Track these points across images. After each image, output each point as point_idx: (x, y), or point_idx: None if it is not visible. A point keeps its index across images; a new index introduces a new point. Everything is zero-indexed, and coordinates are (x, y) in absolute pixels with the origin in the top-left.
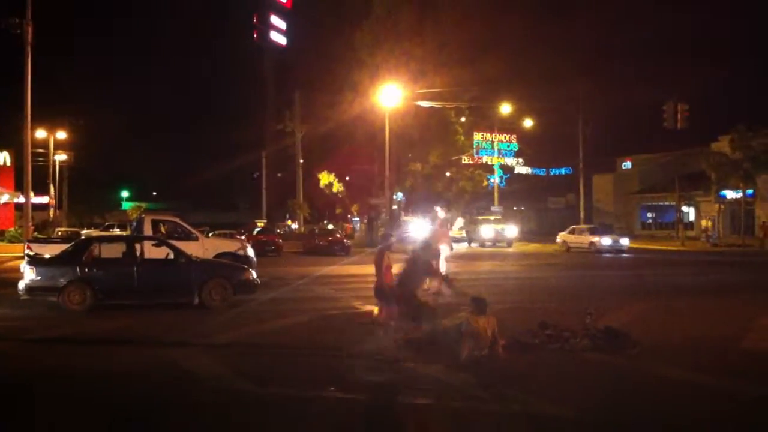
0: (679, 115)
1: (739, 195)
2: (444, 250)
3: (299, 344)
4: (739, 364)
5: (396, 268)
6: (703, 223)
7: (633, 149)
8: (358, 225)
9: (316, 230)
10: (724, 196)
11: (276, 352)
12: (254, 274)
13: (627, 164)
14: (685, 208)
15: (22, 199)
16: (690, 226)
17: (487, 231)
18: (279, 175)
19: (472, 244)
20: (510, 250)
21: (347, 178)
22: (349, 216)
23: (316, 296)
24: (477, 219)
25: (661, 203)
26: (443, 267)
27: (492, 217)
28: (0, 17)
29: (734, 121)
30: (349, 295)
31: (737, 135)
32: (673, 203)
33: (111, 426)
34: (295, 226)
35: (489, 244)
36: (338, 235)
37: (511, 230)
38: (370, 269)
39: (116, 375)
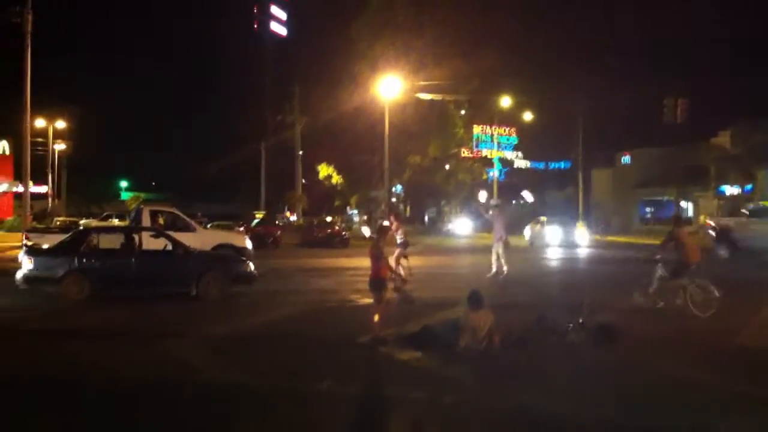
0: (679, 110)
1: (738, 190)
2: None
3: (295, 336)
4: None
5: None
6: (701, 218)
7: (633, 144)
8: (356, 218)
9: (315, 222)
10: (722, 192)
11: (272, 344)
12: (252, 266)
13: (626, 159)
14: (683, 204)
15: (21, 188)
16: (689, 221)
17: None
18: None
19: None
20: None
21: (346, 170)
22: (347, 208)
23: (313, 288)
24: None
25: (660, 198)
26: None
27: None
28: (0, 6)
29: (735, 116)
30: (346, 288)
31: (737, 130)
32: (672, 198)
33: (102, 417)
34: (293, 218)
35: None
36: (336, 228)
37: None
38: (367, 262)
39: (111, 366)
